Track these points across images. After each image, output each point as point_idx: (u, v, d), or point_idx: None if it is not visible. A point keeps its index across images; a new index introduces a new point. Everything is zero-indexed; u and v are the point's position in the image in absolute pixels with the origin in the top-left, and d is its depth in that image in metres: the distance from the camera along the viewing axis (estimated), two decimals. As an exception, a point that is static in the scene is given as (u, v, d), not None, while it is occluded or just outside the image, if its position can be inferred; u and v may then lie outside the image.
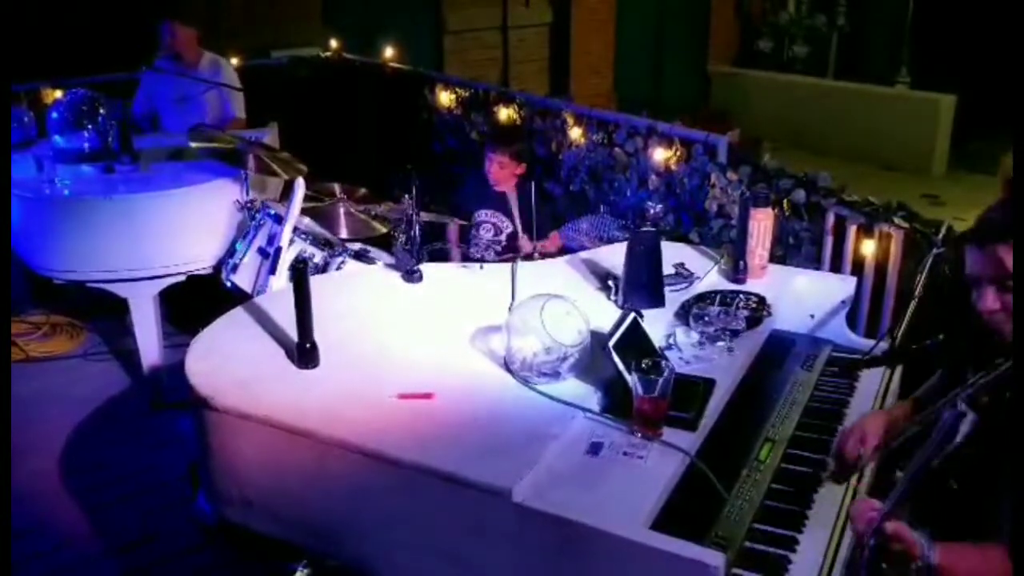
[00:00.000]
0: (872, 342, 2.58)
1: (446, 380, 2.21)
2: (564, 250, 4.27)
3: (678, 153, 4.35)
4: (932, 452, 1.47)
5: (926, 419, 1.68)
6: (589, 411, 2.06)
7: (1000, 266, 1.60)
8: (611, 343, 2.08)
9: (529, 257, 3.91)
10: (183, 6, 5.19)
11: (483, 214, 4.24)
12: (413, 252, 2.94)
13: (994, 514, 1.58)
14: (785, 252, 3.84)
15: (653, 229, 2.65)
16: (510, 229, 4.20)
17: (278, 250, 3.41)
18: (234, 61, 5.54)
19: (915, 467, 1.50)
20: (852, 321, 3.11)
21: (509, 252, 4.10)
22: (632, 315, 2.22)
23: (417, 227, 3.25)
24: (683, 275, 2.80)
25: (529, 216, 4.10)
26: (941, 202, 7.15)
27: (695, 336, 2.42)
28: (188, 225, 3.85)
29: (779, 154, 4.22)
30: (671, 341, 2.42)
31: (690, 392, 2.12)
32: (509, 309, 2.32)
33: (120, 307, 3.98)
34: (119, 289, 3.87)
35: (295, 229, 3.50)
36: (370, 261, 3.44)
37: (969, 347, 1.83)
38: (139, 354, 4.01)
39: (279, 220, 3.52)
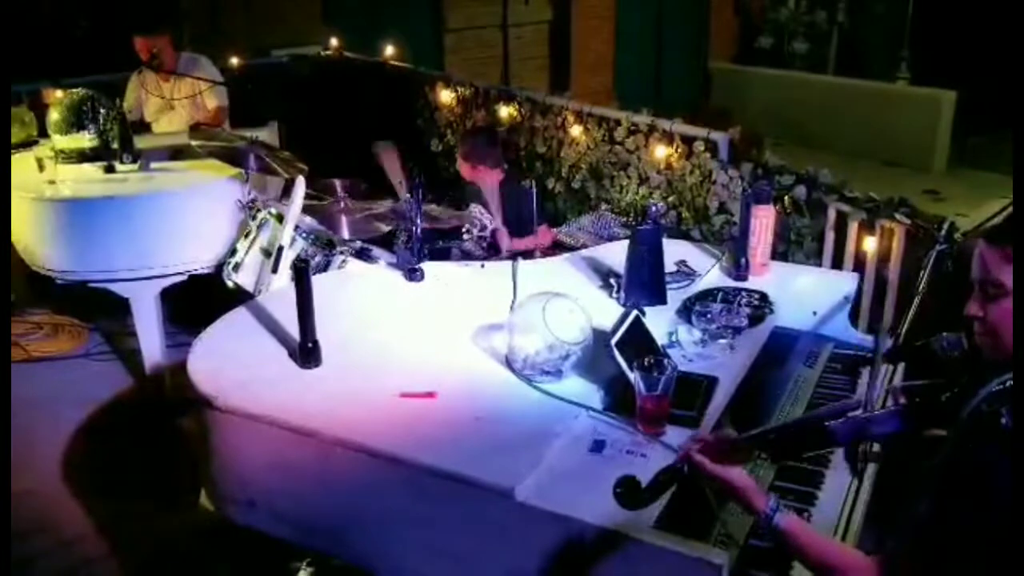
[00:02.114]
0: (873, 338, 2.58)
1: (448, 379, 2.21)
2: (557, 245, 4.28)
3: (679, 150, 4.35)
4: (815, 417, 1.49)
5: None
6: (592, 409, 2.06)
7: (983, 267, 1.44)
8: (613, 341, 2.08)
9: (529, 255, 3.91)
10: (184, 5, 5.20)
11: (473, 208, 4.25)
12: (414, 251, 2.94)
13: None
14: (787, 249, 3.84)
15: (654, 226, 2.65)
16: (494, 225, 4.20)
17: (280, 249, 3.41)
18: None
19: (781, 424, 1.53)
20: (854, 318, 3.11)
21: (493, 249, 4.11)
22: (634, 313, 2.22)
23: (418, 225, 3.24)
24: (685, 272, 2.80)
25: (509, 213, 4.12)
26: (942, 198, 7.14)
27: (697, 334, 2.42)
28: (189, 225, 3.85)
29: (780, 150, 4.22)
30: (673, 339, 2.42)
31: (692, 390, 2.12)
32: (511, 307, 2.32)
33: (122, 307, 3.98)
34: (121, 289, 3.87)
35: (296, 228, 3.49)
36: (372, 260, 3.44)
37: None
38: (141, 354, 4.01)
39: (280, 219, 3.52)
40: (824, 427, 1.52)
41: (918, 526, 1.38)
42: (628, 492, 1.54)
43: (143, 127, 4.91)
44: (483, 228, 4.21)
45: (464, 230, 4.20)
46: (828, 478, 2.04)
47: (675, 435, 1.97)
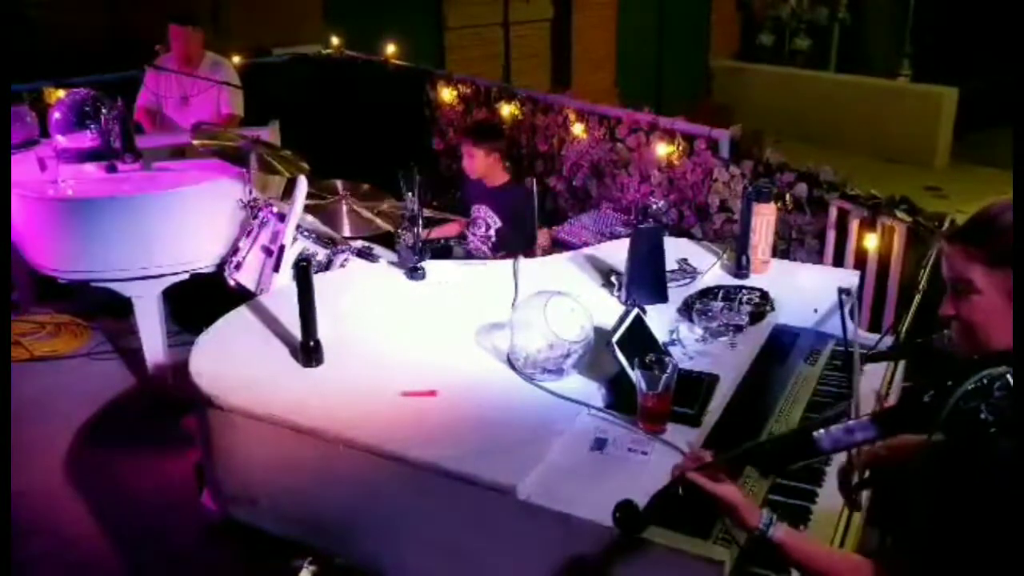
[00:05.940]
0: (875, 336, 2.58)
1: (450, 377, 2.21)
2: (557, 244, 4.28)
3: (680, 148, 4.35)
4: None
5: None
6: (593, 407, 2.07)
7: (950, 267, 1.45)
8: (614, 339, 2.08)
9: (531, 254, 3.90)
10: (186, 4, 5.22)
11: (478, 210, 4.25)
12: (416, 249, 2.94)
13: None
14: (788, 246, 3.84)
15: (656, 225, 2.65)
16: (498, 225, 4.20)
17: (281, 248, 3.42)
18: (235, 59, 5.56)
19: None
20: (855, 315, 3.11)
21: (500, 249, 4.11)
22: (635, 311, 2.22)
23: (420, 224, 3.24)
24: (686, 270, 2.80)
25: (517, 214, 4.10)
26: (944, 195, 7.14)
27: (698, 331, 2.42)
28: (191, 224, 3.86)
29: (781, 148, 4.22)
30: (674, 337, 2.42)
31: (694, 388, 2.12)
32: (512, 306, 2.32)
33: (124, 306, 3.99)
34: (123, 288, 3.88)
35: (298, 227, 3.50)
36: (373, 259, 3.44)
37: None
38: (143, 353, 4.02)
39: (282, 218, 3.53)
40: (809, 437, 1.52)
41: (913, 528, 1.38)
42: (627, 517, 1.54)
43: (161, 119, 4.96)
44: (488, 228, 4.21)
45: (469, 232, 4.20)
46: (826, 481, 2.03)
47: (676, 433, 1.98)
